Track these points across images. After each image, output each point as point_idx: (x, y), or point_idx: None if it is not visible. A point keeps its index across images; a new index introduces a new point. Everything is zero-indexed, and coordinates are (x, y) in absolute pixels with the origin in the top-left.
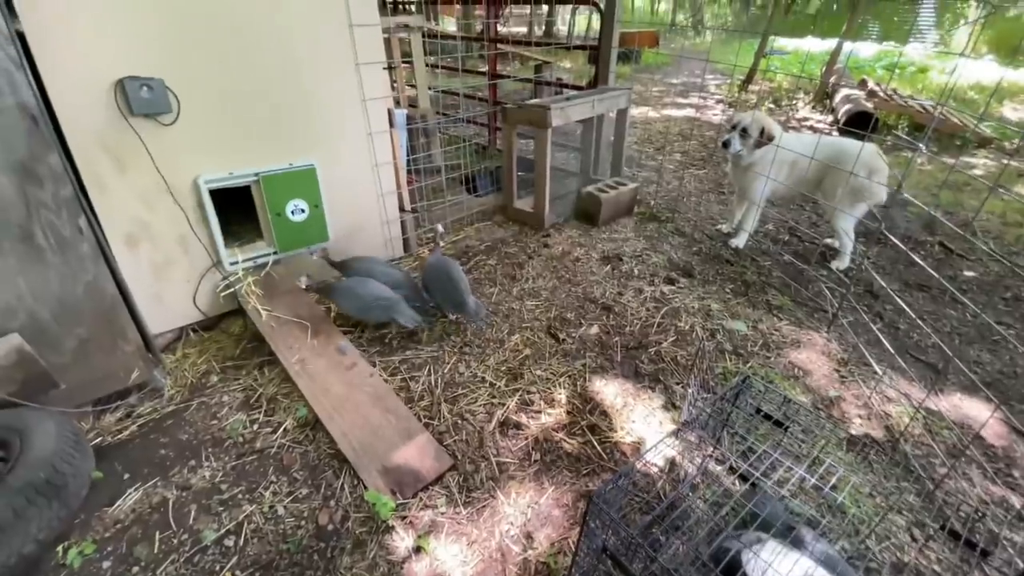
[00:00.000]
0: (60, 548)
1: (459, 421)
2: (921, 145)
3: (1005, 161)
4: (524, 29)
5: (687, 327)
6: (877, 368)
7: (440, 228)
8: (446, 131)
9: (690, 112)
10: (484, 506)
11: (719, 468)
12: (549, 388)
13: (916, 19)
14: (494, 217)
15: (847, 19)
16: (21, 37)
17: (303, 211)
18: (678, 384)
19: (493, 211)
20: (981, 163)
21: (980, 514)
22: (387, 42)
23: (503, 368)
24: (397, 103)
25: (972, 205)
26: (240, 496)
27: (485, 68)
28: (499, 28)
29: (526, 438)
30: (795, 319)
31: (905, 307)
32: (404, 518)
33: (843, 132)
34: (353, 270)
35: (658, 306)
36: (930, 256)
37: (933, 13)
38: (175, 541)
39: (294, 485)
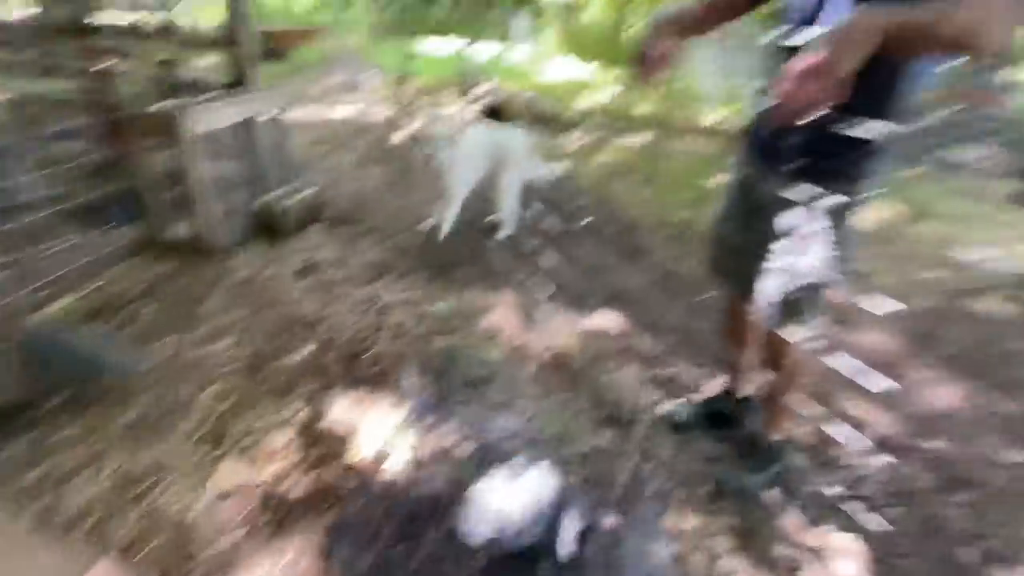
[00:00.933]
0: None
1: (151, 524)
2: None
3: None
4: (133, 16)
5: (397, 321)
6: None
7: None
8: (39, 151)
9: (358, 108)
10: None
11: (448, 443)
12: (264, 438)
13: (512, 24)
14: (142, 253)
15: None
16: None
17: None
18: (404, 379)
19: (138, 246)
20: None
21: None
22: None
23: (199, 435)
24: None
25: (580, 172)
26: None
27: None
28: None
29: (248, 506)
30: (481, 290)
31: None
32: None
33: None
34: None
35: (367, 308)
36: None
37: (528, 20)
38: None
39: None
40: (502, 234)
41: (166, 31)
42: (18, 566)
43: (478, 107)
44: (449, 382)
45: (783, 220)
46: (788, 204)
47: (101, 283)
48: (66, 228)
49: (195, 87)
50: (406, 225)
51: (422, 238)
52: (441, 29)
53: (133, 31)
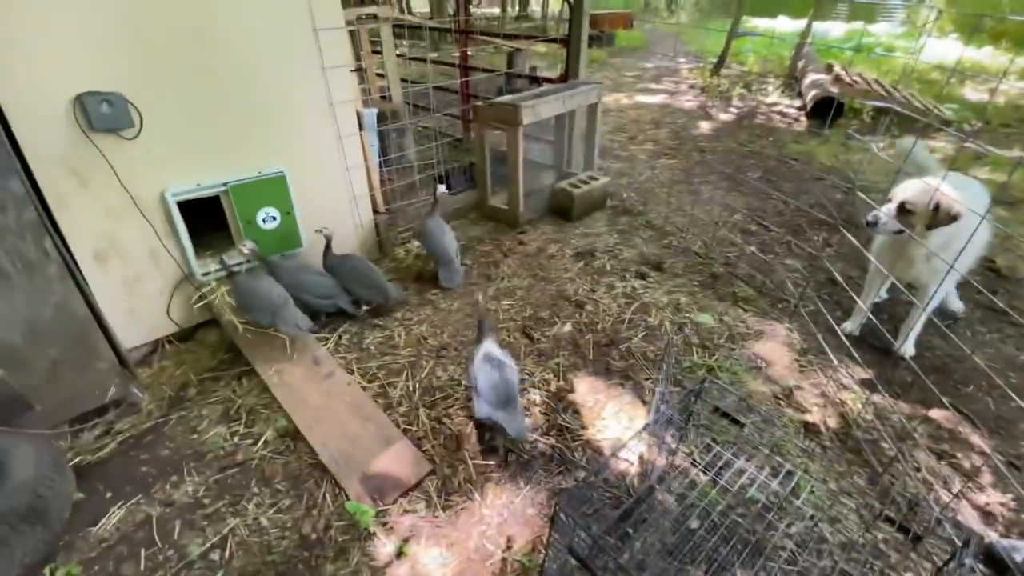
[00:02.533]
0: (47, 570)
1: (437, 425)
2: (872, 144)
3: (967, 144)
4: (497, 10)
5: (656, 322)
6: (833, 357)
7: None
8: (419, 124)
9: (663, 98)
10: (462, 509)
11: (684, 462)
12: (525, 387)
13: None
14: (469, 215)
15: None
16: None
17: (274, 219)
18: (647, 380)
19: (468, 208)
20: (940, 146)
21: (914, 503)
22: (354, 34)
23: None
24: (367, 98)
25: None
26: (224, 509)
27: (457, 53)
28: (472, 9)
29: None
30: (759, 310)
31: (856, 298)
32: (385, 524)
33: (810, 117)
34: (277, 271)
35: (629, 302)
36: None
37: None
38: (161, 557)
39: (277, 496)
40: (956, 308)
41: (519, 21)
42: (352, 422)
43: (806, 98)
44: (698, 402)
45: None
46: None
47: None
48: (426, 188)
49: (532, 79)
50: (685, 225)
51: (701, 242)
52: (771, 8)
53: (495, 32)
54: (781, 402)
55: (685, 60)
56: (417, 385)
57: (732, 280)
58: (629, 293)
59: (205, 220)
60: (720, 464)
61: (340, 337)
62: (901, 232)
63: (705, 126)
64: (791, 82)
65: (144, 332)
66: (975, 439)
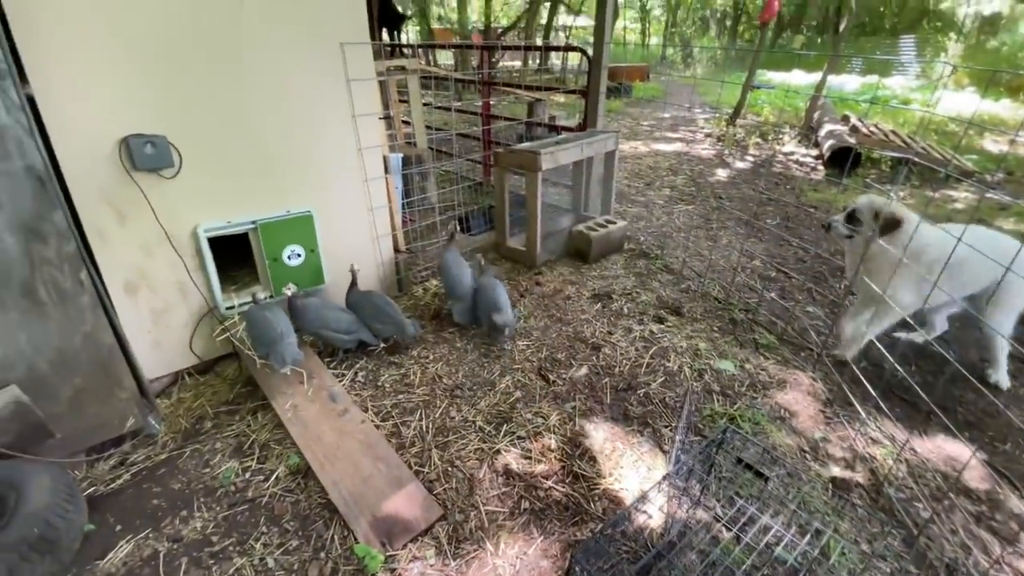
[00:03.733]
0: None
1: (449, 468)
2: (892, 193)
3: (988, 194)
4: (518, 63)
5: (675, 367)
6: (861, 409)
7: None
8: (441, 168)
9: (679, 146)
10: (473, 558)
11: (706, 516)
12: (539, 432)
13: (899, 52)
14: (487, 255)
15: (830, 54)
16: (31, 100)
17: (299, 255)
18: (667, 427)
19: (486, 249)
20: (962, 196)
21: (952, 568)
22: (383, 84)
23: (494, 411)
24: (393, 143)
25: None
26: (231, 548)
27: (480, 102)
28: (494, 62)
29: (515, 486)
30: (781, 358)
31: (883, 350)
32: (393, 571)
33: (828, 166)
34: (301, 308)
35: (647, 345)
36: None
37: (914, 47)
38: None
39: (285, 536)
40: (1000, 379)
41: (540, 74)
42: (364, 461)
43: (823, 148)
44: (720, 452)
45: None
46: None
47: None
48: (446, 229)
49: (551, 127)
50: (703, 270)
51: (720, 287)
52: (785, 63)
53: (516, 84)
54: (807, 455)
55: (701, 110)
56: (430, 425)
57: (752, 326)
58: (647, 337)
59: (228, 255)
60: (744, 520)
61: (356, 374)
62: (851, 237)
63: (722, 173)
64: (807, 132)
65: (166, 363)
66: (1014, 501)
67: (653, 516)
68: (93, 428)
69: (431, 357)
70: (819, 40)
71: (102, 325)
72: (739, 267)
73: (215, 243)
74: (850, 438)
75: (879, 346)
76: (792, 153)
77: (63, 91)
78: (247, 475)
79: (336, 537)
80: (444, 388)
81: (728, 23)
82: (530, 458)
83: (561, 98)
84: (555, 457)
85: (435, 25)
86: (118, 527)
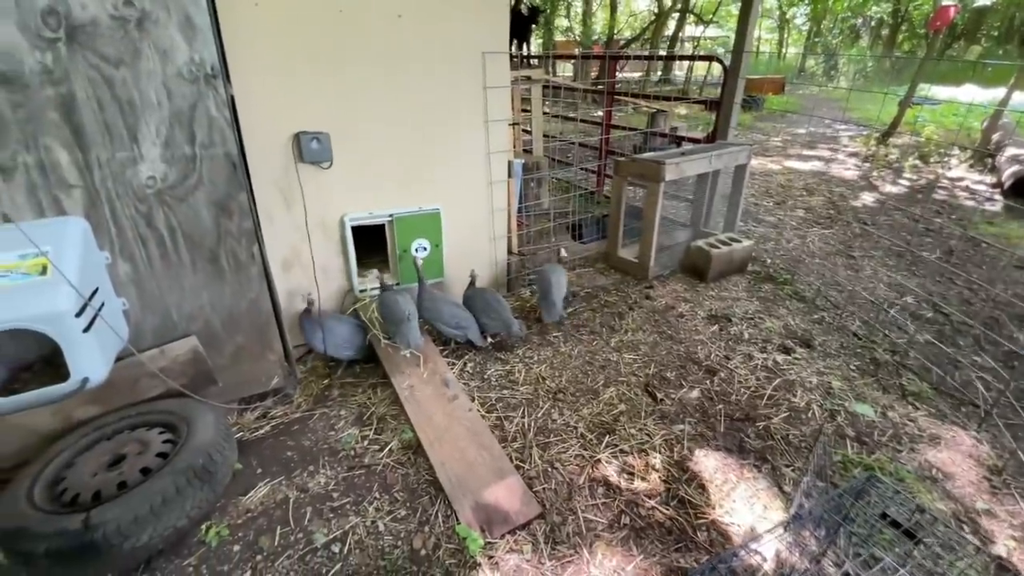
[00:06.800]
0: (203, 527)
1: (549, 469)
2: None
3: None
4: (638, 74)
5: (803, 404)
6: None
7: (564, 252)
8: (554, 176)
9: (817, 165)
10: (569, 562)
11: (833, 572)
12: (643, 449)
13: None
14: (596, 264)
15: (1018, 66)
16: (232, 99)
17: (425, 249)
18: (788, 467)
19: (596, 258)
20: None
21: None
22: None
23: (596, 420)
24: (512, 150)
25: None
26: (348, 507)
27: (598, 113)
28: (616, 74)
29: (616, 499)
30: (936, 411)
31: None
32: (491, 558)
33: (1008, 196)
34: (423, 296)
35: (770, 376)
36: None
37: None
38: (291, 538)
39: (394, 505)
40: None
41: (663, 85)
42: (470, 447)
43: (1003, 175)
44: (855, 507)
45: None
46: None
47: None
48: (557, 235)
49: (676, 138)
50: (841, 300)
51: (861, 322)
52: (954, 75)
53: (643, 93)
54: (964, 526)
55: (845, 127)
56: (532, 423)
57: (900, 370)
58: (770, 367)
59: (361, 244)
60: None
61: (465, 364)
62: None
63: (868, 197)
64: (983, 156)
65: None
66: None
67: (767, 560)
68: (246, 382)
69: (535, 358)
70: (1000, 52)
71: (264, 294)
72: (887, 302)
73: (354, 232)
74: (1022, 515)
75: None
76: (961, 179)
77: (256, 92)
78: (365, 443)
79: (440, 514)
80: (547, 390)
81: (884, 32)
82: (632, 474)
83: (683, 110)
84: (659, 478)
85: (558, 37)
86: (259, 470)
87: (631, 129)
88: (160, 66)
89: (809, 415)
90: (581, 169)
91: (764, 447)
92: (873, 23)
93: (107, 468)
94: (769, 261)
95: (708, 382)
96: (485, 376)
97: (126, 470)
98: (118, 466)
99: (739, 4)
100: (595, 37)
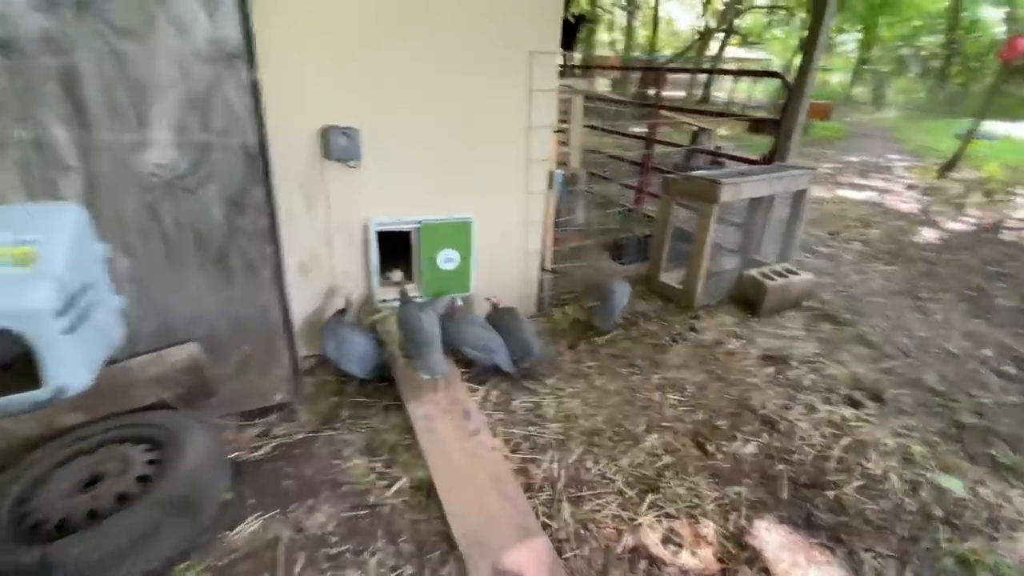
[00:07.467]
0: (178, 567)
1: (582, 530)
2: None
3: None
4: (681, 93)
5: (879, 471)
6: None
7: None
8: (592, 191)
9: (871, 195)
10: None
11: None
12: (692, 514)
13: None
14: (636, 286)
15: None
16: (255, 84)
17: (452, 260)
18: (867, 552)
19: (635, 281)
20: None
21: None
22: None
23: (637, 473)
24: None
25: None
26: (347, 555)
27: (638, 130)
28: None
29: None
30: None
31: None
32: None
33: None
34: (447, 317)
35: (836, 434)
36: None
37: None
38: None
39: (399, 559)
40: None
41: (703, 104)
42: (491, 497)
43: None
44: None
45: None
46: None
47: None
48: (593, 253)
49: (726, 157)
50: (911, 348)
51: (938, 375)
52: (1014, 110)
53: (688, 108)
54: None
55: (899, 157)
56: (563, 472)
57: (987, 437)
58: (837, 423)
59: (385, 251)
60: None
61: (488, 392)
62: None
63: (929, 233)
64: None
65: (318, 343)
66: None
67: None
68: (250, 395)
69: (567, 390)
70: None
71: (275, 300)
72: (965, 354)
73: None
74: None
75: None
76: None
77: (283, 79)
78: (372, 477)
79: None
80: (580, 431)
81: (937, 64)
82: (680, 545)
83: (724, 130)
84: (713, 553)
85: (598, 52)
86: (251, 500)
87: (676, 145)
88: (176, 42)
89: (888, 486)
90: (621, 184)
91: (837, 523)
92: (924, 53)
93: (81, 489)
94: (827, 298)
95: (766, 435)
96: (511, 407)
97: (100, 494)
98: (93, 487)
99: (783, 29)
100: (635, 53)
